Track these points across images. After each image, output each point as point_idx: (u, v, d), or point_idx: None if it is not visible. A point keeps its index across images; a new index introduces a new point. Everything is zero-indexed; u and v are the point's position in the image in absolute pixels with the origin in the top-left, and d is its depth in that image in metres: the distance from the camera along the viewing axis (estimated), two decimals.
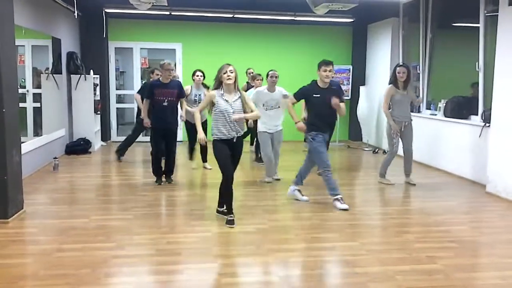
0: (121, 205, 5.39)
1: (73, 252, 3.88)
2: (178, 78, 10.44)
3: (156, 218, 4.88)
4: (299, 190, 5.60)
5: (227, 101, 4.56)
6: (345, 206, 5.19)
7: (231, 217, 4.64)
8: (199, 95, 7.10)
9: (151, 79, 7.28)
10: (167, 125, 6.18)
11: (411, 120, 6.46)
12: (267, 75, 6.44)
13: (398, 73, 6.33)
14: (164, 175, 6.42)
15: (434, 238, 4.38)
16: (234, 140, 4.62)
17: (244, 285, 3.38)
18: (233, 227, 4.55)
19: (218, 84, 4.59)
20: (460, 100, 7.27)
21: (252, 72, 8.30)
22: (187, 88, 7.15)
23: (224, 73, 4.52)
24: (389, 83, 6.49)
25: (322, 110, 5.29)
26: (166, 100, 6.08)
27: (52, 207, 5.25)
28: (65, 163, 7.76)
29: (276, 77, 6.36)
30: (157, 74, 7.08)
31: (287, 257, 3.88)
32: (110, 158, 8.90)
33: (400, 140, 6.43)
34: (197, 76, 7.07)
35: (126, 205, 5.34)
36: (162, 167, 6.40)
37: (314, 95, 5.30)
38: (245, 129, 5.09)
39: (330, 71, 5.23)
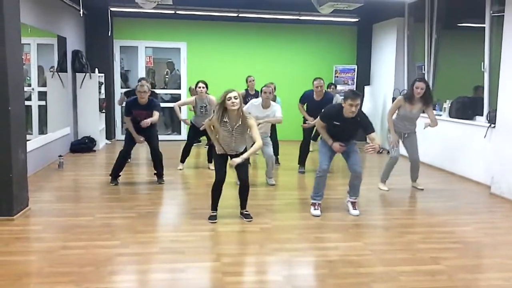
0: (125, 204, 5.41)
1: (78, 249, 3.90)
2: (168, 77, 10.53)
3: (160, 217, 4.90)
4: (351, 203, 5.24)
5: (229, 128, 4.53)
6: (317, 212, 5.04)
7: (214, 212, 4.82)
8: (204, 106, 7.06)
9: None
10: (142, 132, 6.15)
11: (414, 132, 6.14)
12: (261, 90, 6.19)
13: (416, 88, 5.81)
14: (156, 176, 6.42)
15: (437, 239, 4.37)
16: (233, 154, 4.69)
17: (247, 284, 3.39)
18: (214, 222, 4.68)
19: (222, 110, 4.46)
20: (465, 101, 7.25)
21: (253, 80, 8.16)
22: (191, 100, 7.21)
23: (228, 100, 4.39)
24: (404, 97, 6.02)
25: (337, 135, 5.03)
26: (143, 119, 6.03)
27: (57, 205, 5.28)
28: (70, 161, 7.79)
29: (270, 92, 6.06)
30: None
31: (290, 257, 3.88)
32: (114, 156, 8.93)
33: (405, 149, 6.21)
34: (199, 87, 7.00)
35: (130, 204, 5.36)
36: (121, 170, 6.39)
37: (334, 122, 4.95)
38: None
39: (356, 106, 4.74)
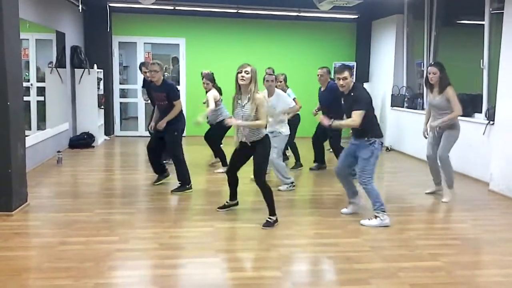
0: (124, 199, 5.41)
1: (77, 245, 3.90)
2: (167, 74, 10.51)
3: (159, 213, 4.90)
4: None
5: (239, 104, 4.48)
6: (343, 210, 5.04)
7: (270, 218, 4.53)
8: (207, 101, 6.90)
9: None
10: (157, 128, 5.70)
11: (449, 129, 5.46)
12: (264, 79, 6.04)
13: (429, 73, 5.49)
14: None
15: (436, 235, 4.39)
16: (249, 144, 4.55)
17: (246, 279, 3.39)
18: (265, 229, 4.43)
19: (237, 85, 4.46)
20: (464, 98, 7.22)
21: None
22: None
23: (239, 73, 4.39)
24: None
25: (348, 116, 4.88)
26: (159, 104, 5.74)
27: (56, 201, 5.28)
28: (68, 157, 7.78)
29: (272, 80, 5.97)
30: (145, 72, 6.88)
31: (290, 253, 3.89)
32: (113, 152, 8.93)
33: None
34: (203, 83, 6.91)
35: (130, 199, 5.36)
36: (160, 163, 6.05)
37: (342, 102, 4.93)
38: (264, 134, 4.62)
39: (343, 79, 4.63)
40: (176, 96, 5.72)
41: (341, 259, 3.77)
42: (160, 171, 6.06)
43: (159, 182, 6.02)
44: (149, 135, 6.28)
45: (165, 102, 5.61)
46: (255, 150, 4.52)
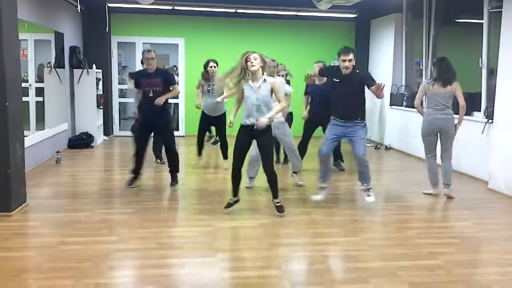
0: (123, 199, 5.40)
1: (76, 245, 3.90)
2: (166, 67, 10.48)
3: (158, 212, 4.90)
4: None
5: (251, 87, 4.61)
6: (315, 197, 5.21)
7: (278, 202, 4.85)
8: (212, 85, 6.88)
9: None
10: (153, 119, 5.72)
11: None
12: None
13: None
14: (170, 175, 6.05)
15: (435, 234, 4.39)
16: (255, 128, 4.61)
17: (245, 279, 3.39)
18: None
19: (244, 71, 4.59)
20: (463, 96, 7.23)
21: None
22: (200, 84, 7.03)
23: (248, 61, 4.52)
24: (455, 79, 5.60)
25: (341, 98, 4.99)
26: (153, 90, 5.64)
27: (55, 201, 5.27)
28: (67, 157, 7.78)
29: (274, 66, 6.02)
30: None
31: (289, 252, 3.89)
32: (112, 152, 8.93)
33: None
34: (211, 67, 6.89)
35: (128, 199, 5.36)
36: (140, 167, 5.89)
37: (334, 79, 5.06)
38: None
39: (349, 61, 4.82)
40: (174, 80, 5.97)
41: (340, 258, 3.78)
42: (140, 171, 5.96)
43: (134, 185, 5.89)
44: (133, 135, 6.15)
45: (160, 88, 5.68)
46: (262, 136, 4.65)
